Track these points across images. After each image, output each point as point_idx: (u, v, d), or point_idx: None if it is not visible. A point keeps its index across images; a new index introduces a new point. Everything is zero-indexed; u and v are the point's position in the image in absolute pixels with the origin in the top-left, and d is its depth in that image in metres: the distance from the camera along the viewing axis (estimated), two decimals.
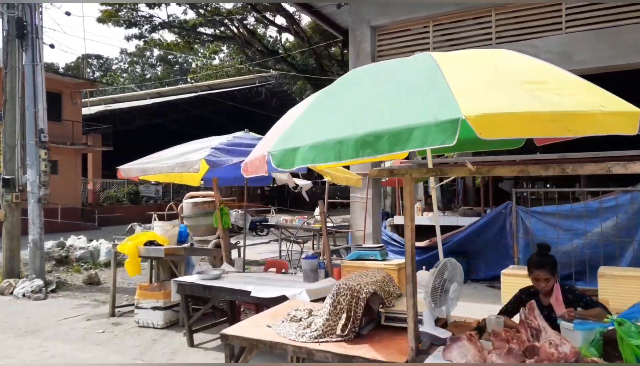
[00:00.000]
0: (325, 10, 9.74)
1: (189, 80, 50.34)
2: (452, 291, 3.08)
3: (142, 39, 26.94)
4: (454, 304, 3.19)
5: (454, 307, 3.19)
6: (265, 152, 2.73)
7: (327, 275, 5.07)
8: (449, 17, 7.55)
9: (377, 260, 4.76)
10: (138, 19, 25.89)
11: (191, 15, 26.19)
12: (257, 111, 37.56)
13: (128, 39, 26.84)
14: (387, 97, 2.56)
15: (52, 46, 8.89)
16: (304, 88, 44.56)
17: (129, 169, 5.17)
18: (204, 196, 11.92)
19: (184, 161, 4.65)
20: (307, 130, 2.64)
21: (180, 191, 32.96)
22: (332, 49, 22.75)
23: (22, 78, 8.63)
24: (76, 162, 23.15)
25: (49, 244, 10.65)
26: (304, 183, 6.93)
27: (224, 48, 32.36)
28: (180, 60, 67.82)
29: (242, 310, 5.91)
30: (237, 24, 24.35)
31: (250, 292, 4.63)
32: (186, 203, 11.58)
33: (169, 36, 33.12)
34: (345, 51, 22.75)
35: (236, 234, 11.48)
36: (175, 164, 4.68)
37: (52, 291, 8.29)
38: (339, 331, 3.16)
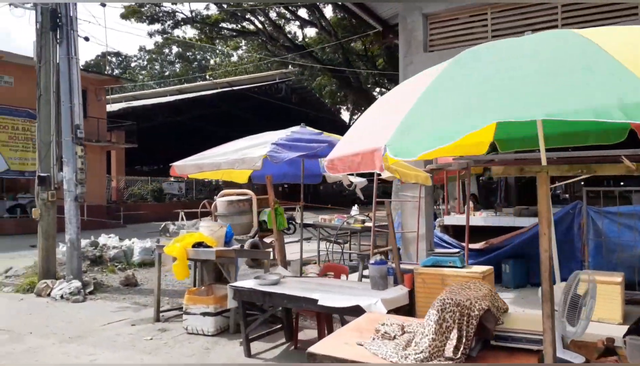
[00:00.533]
0: None
1: (207, 77, 50.27)
2: (589, 308, 2.65)
3: (165, 35, 26.71)
4: (587, 323, 2.75)
5: (586, 327, 2.76)
6: (377, 145, 2.32)
7: (396, 282, 4.66)
8: (509, 4, 7.06)
9: (456, 267, 4.33)
10: (161, 14, 25.69)
11: (213, 10, 25.93)
12: (281, 103, 37.33)
13: (151, 35, 26.68)
14: (529, 74, 2.08)
15: (86, 39, 8.59)
16: (323, 84, 44.18)
17: (183, 166, 4.81)
18: (238, 195, 11.59)
19: (243, 157, 4.28)
20: (431, 115, 2.21)
21: (202, 189, 32.84)
22: (352, 44, 22.29)
23: (56, 72, 8.35)
24: (101, 159, 23.07)
25: (81, 243, 10.40)
26: (359, 181, 6.53)
27: (244, 44, 31.93)
28: (198, 57, 67.95)
29: (298, 316, 5.52)
30: (262, 19, 24.02)
31: (316, 300, 4.24)
32: (220, 201, 11.25)
33: (191, 32, 32.85)
34: (370, 46, 22.29)
35: (271, 233, 11.11)
36: (234, 161, 4.31)
37: (90, 292, 8.01)
38: (448, 353, 2.75)
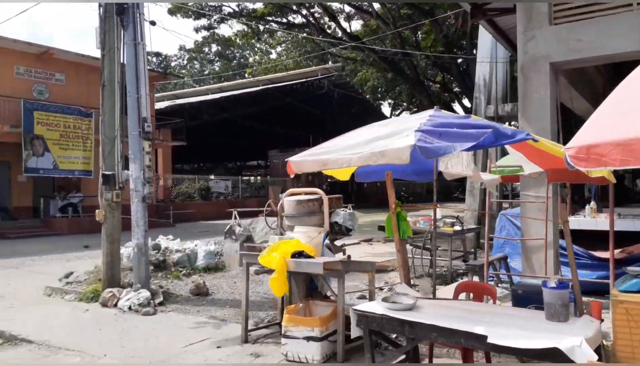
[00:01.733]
0: None
1: (246, 75, 49.94)
2: None
3: (211, 30, 26.15)
4: None
5: None
6: None
7: (575, 312, 3.60)
8: None
9: None
10: (207, 9, 25.15)
11: (260, 4, 25.20)
12: (339, 90, 36.45)
13: (197, 30, 26.17)
14: None
15: (152, 23, 7.77)
16: (365, 79, 43.03)
17: (302, 162, 3.86)
18: (306, 193, 10.68)
19: (384, 150, 3.31)
20: None
21: (247, 187, 32.24)
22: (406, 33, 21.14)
23: (121, 60, 7.62)
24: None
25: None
26: (491, 178, 5.46)
27: (290, 38, 31.12)
28: (237, 55, 67.83)
29: (432, 347, 4.52)
30: (307, 12, 23.18)
31: (484, 337, 3.22)
32: (288, 201, 10.33)
33: (237, 27, 32.28)
34: (456, 24, 20.92)
35: (344, 236, 10.15)
36: (370, 155, 3.34)
37: (160, 303, 7.22)
38: None
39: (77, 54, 20.14)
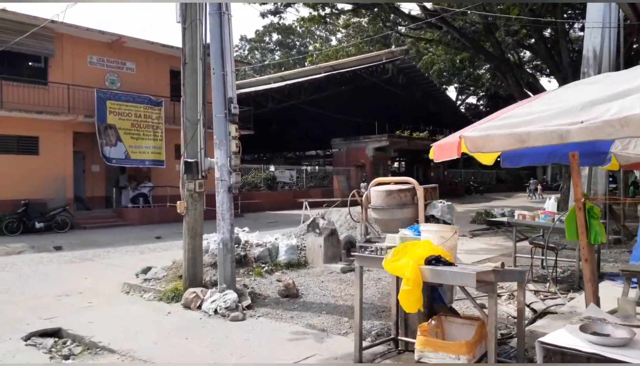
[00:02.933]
0: None
1: (306, 63, 49.11)
2: None
3: (277, 14, 25.39)
4: None
5: None
6: None
7: None
8: None
9: None
10: None
11: None
12: (404, 74, 35.12)
13: (263, 15, 25.48)
14: None
15: None
16: (430, 62, 41.10)
17: (486, 138, 2.72)
18: (396, 183, 9.62)
19: (626, 115, 2.20)
20: None
21: (312, 177, 31.50)
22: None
23: (204, 34, 6.84)
24: None
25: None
26: None
27: (359, 19, 29.87)
28: (297, 43, 67.31)
29: None
30: None
31: None
32: (377, 192, 9.30)
33: (303, 10, 31.44)
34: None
35: None
36: (604, 123, 2.25)
37: (248, 307, 6.43)
38: None
39: (147, 41, 19.92)
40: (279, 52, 67.67)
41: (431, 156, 3.63)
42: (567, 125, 2.36)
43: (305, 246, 9.74)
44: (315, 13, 26.20)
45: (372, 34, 38.80)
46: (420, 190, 8.85)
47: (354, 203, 10.98)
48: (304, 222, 14.93)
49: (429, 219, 9.00)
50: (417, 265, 3.79)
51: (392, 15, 21.99)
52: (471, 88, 51.99)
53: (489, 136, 2.65)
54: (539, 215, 7.49)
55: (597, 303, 3.36)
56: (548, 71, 29.81)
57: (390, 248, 4.42)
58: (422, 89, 39.18)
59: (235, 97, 6.60)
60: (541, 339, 2.91)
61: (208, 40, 6.71)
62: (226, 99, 6.50)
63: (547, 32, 21.17)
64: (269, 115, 31.99)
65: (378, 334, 5.41)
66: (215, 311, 6.23)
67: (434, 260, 3.87)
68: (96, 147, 18.40)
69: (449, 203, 9.11)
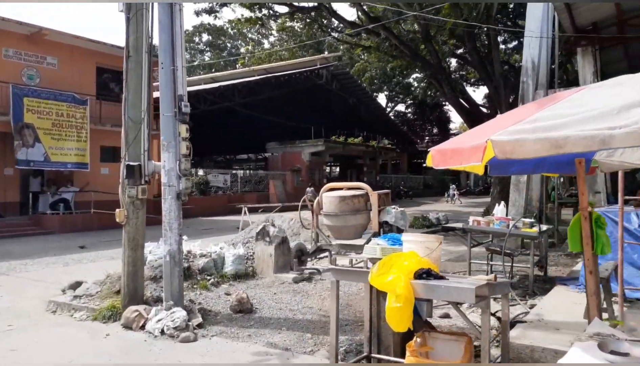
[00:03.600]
0: None
1: (237, 66, 48.20)
2: None
3: (213, 14, 24.50)
4: None
5: None
6: None
7: None
8: None
9: None
10: None
11: None
12: (338, 80, 35.10)
13: (197, 13, 24.52)
14: None
15: None
16: (363, 69, 41.69)
17: (518, 143, 2.36)
18: (349, 188, 9.33)
19: None
20: None
21: (247, 182, 30.75)
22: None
23: (151, 24, 6.20)
24: None
25: (158, 251, 8.29)
26: None
27: (295, 22, 29.62)
28: (229, 45, 66.05)
29: None
30: None
31: None
32: (329, 197, 9.00)
33: (240, 11, 30.66)
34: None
35: None
36: None
37: (199, 325, 5.85)
38: None
39: (71, 35, 18.44)
40: (209, 53, 66.05)
41: (429, 162, 3.32)
42: (607, 130, 2.14)
43: (252, 255, 9.23)
44: (252, 14, 25.69)
45: (306, 39, 38.73)
46: (374, 196, 8.65)
47: (297, 208, 10.55)
48: (242, 229, 14.35)
49: (382, 225, 8.82)
50: (408, 281, 3.47)
51: (330, 20, 21.88)
52: (400, 96, 53.47)
53: (520, 141, 2.37)
54: (493, 221, 7.49)
55: (601, 317, 3.21)
56: (472, 80, 31.08)
57: (374, 260, 4.09)
58: (355, 96, 39.61)
59: (186, 94, 6.02)
60: (561, 361, 2.67)
61: (155, 32, 6.07)
62: (176, 97, 5.91)
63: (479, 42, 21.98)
64: (198, 117, 30.90)
65: (347, 351, 5.05)
66: (162, 332, 5.60)
67: (425, 274, 3.57)
68: (10, 148, 16.70)
69: (402, 209, 9.00)
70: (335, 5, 22.70)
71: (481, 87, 35.61)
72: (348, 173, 39.42)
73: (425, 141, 53.51)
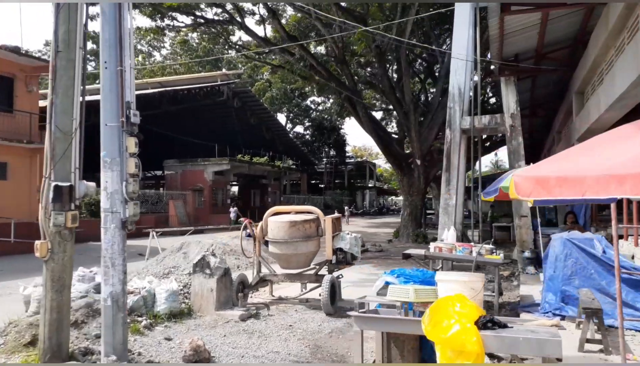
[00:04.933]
0: None
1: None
2: None
3: None
4: None
5: None
6: None
7: None
8: None
9: None
10: None
11: None
12: (239, 98, 33.92)
13: (92, 18, 22.25)
14: None
15: None
16: (263, 89, 41.33)
17: (546, 181, 1.91)
18: (298, 212, 8.57)
19: None
20: None
21: (145, 201, 28.45)
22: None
23: (86, 15, 5.08)
24: (31, 164, 18.41)
25: (82, 287, 6.92)
26: None
27: (199, 35, 28.30)
28: None
29: None
30: (218, 10, 21.00)
31: None
32: (278, 223, 8.14)
33: (140, 20, 28.57)
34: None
35: (347, 266, 8.24)
36: None
37: None
38: None
39: None
40: (93, 62, 61.45)
41: (512, 194, 2.80)
42: None
43: (185, 290, 8.11)
44: (154, 24, 24.06)
45: (202, 55, 37.31)
46: (328, 221, 8.03)
47: (206, 231, 9.56)
48: (149, 257, 12.83)
49: (336, 253, 8.21)
50: (479, 335, 2.88)
51: (233, 34, 21.05)
52: (299, 117, 53.83)
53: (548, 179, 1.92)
54: (455, 248, 7.23)
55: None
56: (377, 105, 31.95)
57: (403, 302, 3.44)
58: (256, 115, 38.86)
59: (134, 101, 4.96)
60: None
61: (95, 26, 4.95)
62: (124, 103, 4.83)
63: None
64: (88, 129, 28.12)
65: None
66: None
67: (490, 323, 3.02)
68: None
69: (355, 235, 8.47)
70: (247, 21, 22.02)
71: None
72: (251, 193, 38.32)
73: (324, 162, 54.21)
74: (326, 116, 52.71)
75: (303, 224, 7.83)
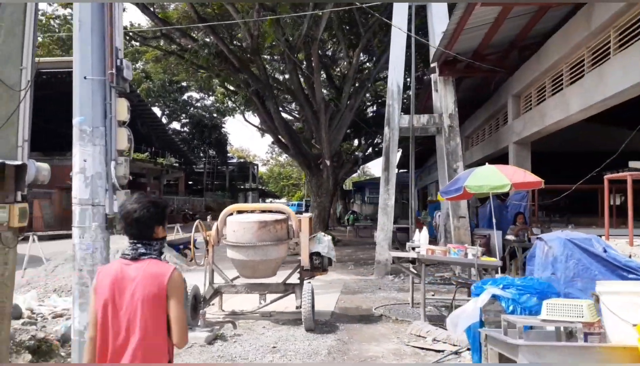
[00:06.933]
0: None
1: None
2: None
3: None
4: None
5: None
6: None
7: None
8: None
9: None
10: None
11: None
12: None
13: None
14: None
15: None
16: (138, 81, 38.16)
17: None
18: (263, 211, 7.24)
19: None
20: None
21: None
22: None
23: None
24: None
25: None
26: None
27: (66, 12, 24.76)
28: None
29: None
30: None
31: None
32: (241, 223, 6.77)
33: None
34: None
35: (323, 272, 7.18)
36: None
37: None
38: None
39: None
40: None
41: None
42: None
43: None
44: None
45: (65, 37, 33.15)
46: (305, 221, 6.97)
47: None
48: (25, 269, 10.47)
49: (312, 258, 7.13)
50: None
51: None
52: (177, 113, 50.66)
53: None
54: (449, 248, 6.64)
55: None
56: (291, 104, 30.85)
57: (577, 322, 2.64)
58: (131, 106, 35.50)
59: (122, 48, 3.54)
60: None
61: None
62: (113, 49, 3.40)
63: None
64: None
65: None
66: None
67: None
68: None
69: (330, 237, 7.53)
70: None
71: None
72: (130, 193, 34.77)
73: (203, 162, 51.67)
74: (205, 113, 50.36)
75: (274, 225, 6.68)
